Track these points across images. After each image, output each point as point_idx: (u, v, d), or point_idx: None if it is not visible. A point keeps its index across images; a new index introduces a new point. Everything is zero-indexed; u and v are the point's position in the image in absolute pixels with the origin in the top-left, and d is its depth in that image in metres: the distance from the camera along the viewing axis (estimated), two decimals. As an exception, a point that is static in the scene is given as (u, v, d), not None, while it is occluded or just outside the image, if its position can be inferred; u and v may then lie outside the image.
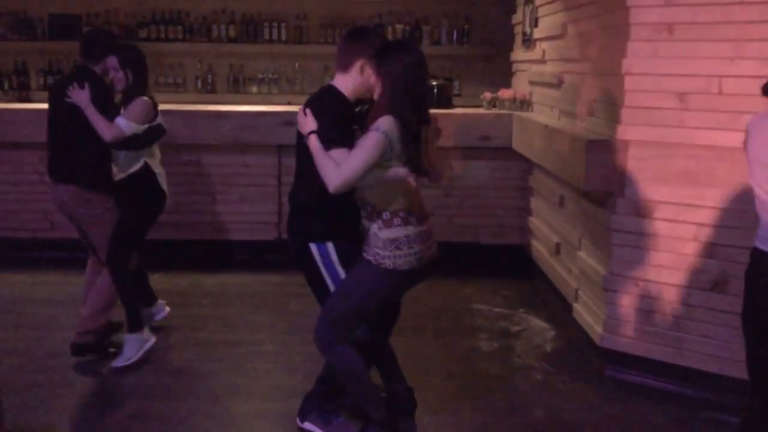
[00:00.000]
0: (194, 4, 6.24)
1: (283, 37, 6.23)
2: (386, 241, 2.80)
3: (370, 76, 2.84)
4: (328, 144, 2.77)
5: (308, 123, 2.83)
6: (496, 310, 4.77)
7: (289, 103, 6.12)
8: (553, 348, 4.18)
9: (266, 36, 6.22)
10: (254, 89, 6.32)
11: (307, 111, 2.86)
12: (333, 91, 2.97)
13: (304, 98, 6.45)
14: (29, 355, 3.91)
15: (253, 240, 5.65)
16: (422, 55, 2.81)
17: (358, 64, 2.91)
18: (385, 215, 2.81)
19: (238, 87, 6.33)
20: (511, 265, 5.50)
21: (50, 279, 5.17)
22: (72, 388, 3.59)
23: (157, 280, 5.14)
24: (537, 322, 4.56)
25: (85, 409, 3.41)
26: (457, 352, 4.07)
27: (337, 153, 2.75)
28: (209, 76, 6.32)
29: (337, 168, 2.71)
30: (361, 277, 2.88)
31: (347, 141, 2.80)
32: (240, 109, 5.63)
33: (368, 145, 2.69)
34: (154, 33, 6.19)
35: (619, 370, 3.74)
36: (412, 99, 2.73)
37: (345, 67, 2.95)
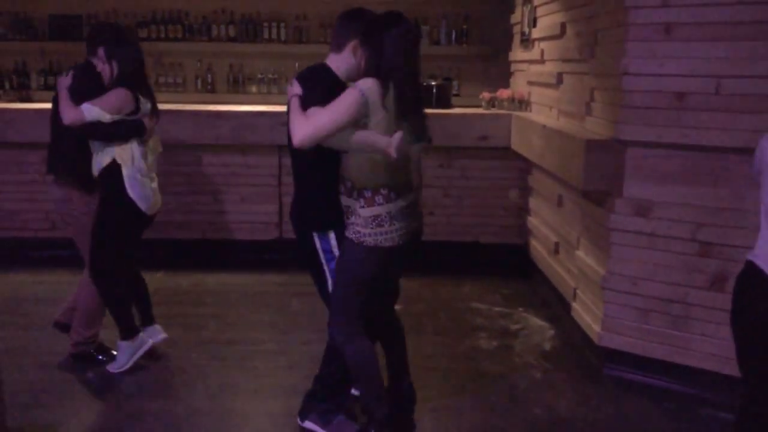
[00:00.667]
0: (194, 4, 6.25)
1: (283, 37, 6.24)
2: (367, 219, 2.75)
3: (362, 58, 2.80)
4: (306, 105, 2.72)
5: (293, 90, 2.79)
6: (496, 309, 4.79)
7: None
8: (552, 346, 4.20)
9: (266, 36, 6.23)
10: (254, 89, 6.33)
11: (294, 81, 2.83)
12: (325, 68, 2.92)
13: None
14: (31, 354, 3.93)
15: (254, 240, 5.67)
16: (410, 25, 2.76)
17: (350, 45, 2.87)
18: (367, 193, 2.75)
19: (237, 87, 6.33)
20: (511, 265, 5.52)
21: (52, 278, 5.19)
22: (73, 386, 3.61)
23: (158, 280, 5.19)
24: (536, 321, 4.58)
25: (87, 408, 3.43)
26: (457, 351, 4.09)
27: (313, 110, 2.68)
28: (209, 76, 6.32)
29: (306, 120, 2.64)
30: (346, 260, 2.85)
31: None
32: (240, 109, 5.65)
33: (342, 100, 2.63)
34: (153, 33, 6.19)
35: (617, 369, 3.77)
36: (405, 67, 2.69)
37: (338, 47, 2.91)
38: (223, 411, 3.37)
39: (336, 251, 2.91)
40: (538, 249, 5.12)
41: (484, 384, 3.70)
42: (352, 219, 2.80)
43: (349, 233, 2.81)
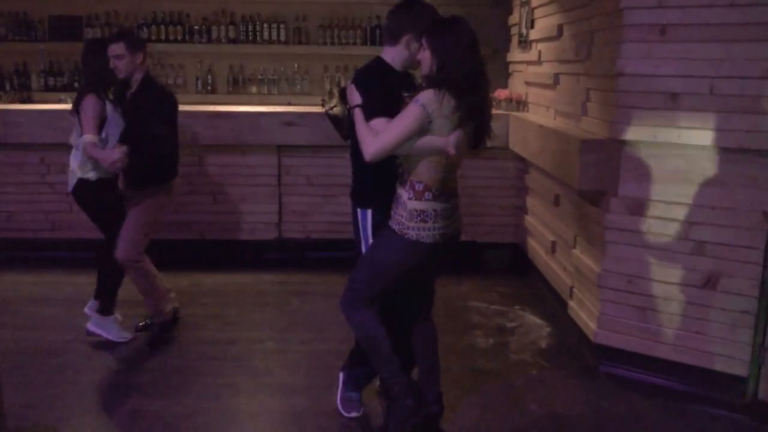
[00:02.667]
0: (194, 6, 6.29)
1: (283, 38, 6.28)
2: (412, 212, 2.85)
3: (416, 51, 2.90)
4: (369, 116, 2.87)
5: (353, 97, 2.93)
6: (493, 307, 4.83)
7: (289, 104, 6.18)
8: (549, 344, 4.24)
9: (266, 37, 6.27)
10: (254, 90, 6.37)
11: (352, 86, 2.95)
12: (380, 64, 3.03)
13: (303, 99, 6.57)
14: (31, 355, 3.96)
15: (253, 239, 5.70)
16: (474, 33, 2.83)
17: (405, 38, 2.96)
18: (418, 186, 2.85)
19: (238, 87, 6.38)
20: (508, 263, 5.56)
21: (52, 279, 5.22)
22: (73, 386, 3.64)
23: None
24: (532, 319, 4.62)
25: (86, 408, 3.45)
26: (454, 349, 4.13)
27: (377, 122, 2.84)
28: (209, 77, 6.37)
29: (375, 137, 2.80)
30: (383, 246, 2.96)
31: (390, 112, 2.86)
32: (240, 109, 5.69)
33: (406, 116, 2.77)
34: (154, 34, 6.23)
35: (612, 366, 3.80)
36: (465, 74, 2.75)
37: (393, 40, 3.01)
38: (222, 410, 3.40)
39: (368, 224, 3.07)
40: (535, 247, 5.15)
41: (480, 381, 3.74)
42: (399, 210, 2.90)
43: (393, 223, 2.93)
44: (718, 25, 3.29)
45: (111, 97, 3.98)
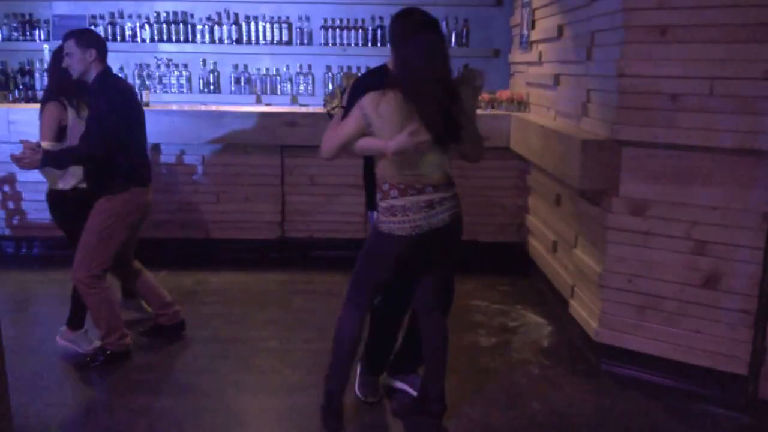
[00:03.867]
0: (198, 5, 6.31)
1: (286, 39, 6.30)
2: (384, 209, 2.96)
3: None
4: (344, 115, 2.99)
5: (346, 100, 3.09)
6: (495, 306, 4.85)
7: (292, 104, 6.21)
8: (550, 343, 4.27)
9: (269, 37, 6.29)
10: (257, 89, 6.39)
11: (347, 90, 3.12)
12: (381, 70, 3.15)
13: (306, 99, 6.55)
14: (36, 353, 3.99)
15: (257, 239, 5.74)
16: (435, 42, 2.87)
17: None
18: (385, 186, 2.95)
19: (241, 87, 6.40)
20: (510, 263, 5.58)
21: (57, 277, 5.24)
22: (78, 385, 3.68)
23: (162, 279, 5.24)
24: (534, 318, 4.65)
25: (91, 406, 3.49)
26: (457, 347, 4.14)
27: (331, 124, 3.02)
28: (212, 77, 6.39)
29: (324, 136, 2.99)
30: (368, 242, 3.09)
31: None
32: (243, 109, 5.72)
33: (347, 119, 2.91)
34: (157, 34, 6.26)
35: (614, 365, 3.83)
36: (413, 79, 2.79)
37: (391, 47, 3.08)
38: (226, 408, 3.43)
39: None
40: (537, 247, 5.18)
41: (483, 380, 3.77)
42: (377, 208, 3.04)
43: (373, 220, 3.10)
44: (718, 25, 3.31)
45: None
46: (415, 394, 3.43)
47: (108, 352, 3.87)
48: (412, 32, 2.86)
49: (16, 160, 3.57)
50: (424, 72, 2.79)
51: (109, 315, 3.83)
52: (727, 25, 3.29)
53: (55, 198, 3.99)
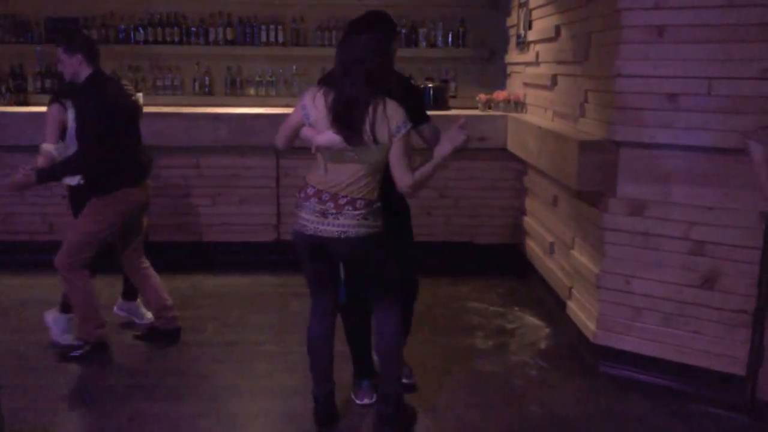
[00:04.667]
0: (191, 7, 6.27)
1: (281, 40, 6.27)
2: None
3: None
4: None
5: None
6: (492, 308, 4.84)
7: (287, 105, 6.18)
8: (548, 345, 4.25)
9: (263, 38, 6.26)
10: (252, 91, 6.36)
11: None
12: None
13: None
14: (29, 357, 3.96)
15: (252, 241, 5.71)
16: (351, 23, 3.00)
17: None
18: (303, 183, 3.06)
19: (235, 89, 6.37)
20: (507, 264, 5.57)
21: (49, 282, 5.19)
22: (72, 389, 3.64)
23: (157, 282, 5.22)
24: (532, 320, 4.63)
25: (85, 411, 3.45)
26: (454, 350, 4.13)
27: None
28: (207, 79, 6.36)
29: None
30: None
31: None
32: (238, 111, 5.69)
33: (293, 111, 3.04)
34: (151, 36, 6.22)
35: (612, 366, 3.81)
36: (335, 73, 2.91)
37: None
38: (222, 413, 3.40)
39: None
40: (534, 248, 5.16)
41: (480, 382, 3.75)
42: None
43: None
44: (715, 25, 3.30)
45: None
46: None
47: (84, 344, 3.94)
48: (346, 34, 2.97)
49: (7, 188, 3.81)
50: (338, 66, 2.89)
51: (83, 303, 3.91)
52: (724, 25, 3.28)
53: (68, 192, 4.15)
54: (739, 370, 3.45)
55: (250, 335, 4.32)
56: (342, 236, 2.92)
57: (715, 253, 3.45)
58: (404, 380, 3.44)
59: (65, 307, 4.12)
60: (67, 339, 4.06)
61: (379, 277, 3.12)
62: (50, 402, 3.48)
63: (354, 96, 2.83)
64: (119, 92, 3.91)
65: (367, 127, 2.82)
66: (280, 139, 3.14)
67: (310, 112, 2.93)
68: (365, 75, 2.82)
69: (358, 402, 3.48)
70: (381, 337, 3.20)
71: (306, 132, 2.99)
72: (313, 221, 2.95)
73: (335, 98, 2.86)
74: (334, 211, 2.91)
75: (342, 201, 2.91)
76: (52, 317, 4.16)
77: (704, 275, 3.48)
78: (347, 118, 2.83)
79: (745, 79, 3.26)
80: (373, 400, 3.42)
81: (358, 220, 2.92)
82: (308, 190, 2.98)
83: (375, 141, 2.85)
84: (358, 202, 2.91)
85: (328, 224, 2.92)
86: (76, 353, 3.93)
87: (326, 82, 3.01)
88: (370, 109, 2.83)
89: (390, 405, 3.18)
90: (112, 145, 3.78)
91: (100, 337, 3.97)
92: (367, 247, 2.98)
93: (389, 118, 2.85)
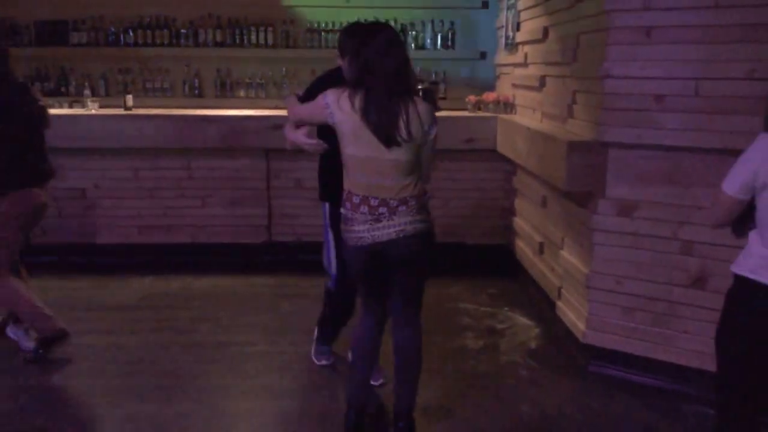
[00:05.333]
0: (181, 9, 6.27)
1: (270, 42, 6.27)
2: (342, 217, 2.98)
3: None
4: (300, 98, 3.32)
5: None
6: (482, 308, 4.85)
7: (277, 107, 6.18)
8: (538, 345, 4.27)
9: (253, 40, 6.26)
10: (242, 93, 6.35)
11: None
12: (337, 73, 3.49)
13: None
14: (20, 359, 3.94)
15: (243, 243, 5.71)
16: (385, 35, 2.89)
17: (347, 58, 3.35)
18: (344, 193, 2.97)
19: (225, 91, 6.36)
20: (497, 265, 5.59)
21: (41, 284, 5.17)
22: (63, 391, 3.63)
23: (149, 284, 5.21)
24: (522, 320, 4.65)
25: (76, 413, 3.45)
26: (445, 351, 4.15)
27: (290, 99, 3.34)
28: (196, 81, 6.35)
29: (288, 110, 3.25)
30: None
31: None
32: (228, 113, 5.69)
33: (312, 102, 3.01)
34: (140, 38, 6.21)
35: (602, 366, 3.83)
36: (369, 71, 2.82)
37: (340, 56, 3.47)
38: (213, 413, 3.40)
39: (326, 215, 3.59)
40: (524, 249, 5.19)
41: (471, 383, 3.76)
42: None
43: (325, 210, 3.26)
44: (702, 27, 3.32)
45: None
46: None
47: (43, 340, 3.92)
48: (362, 41, 2.94)
49: None
50: (363, 68, 2.85)
51: (21, 304, 3.89)
52: (711, 26, 3.30)
53: None
54: (728, 368, 3.47)
55: (241, 336, 4.31)
56: (400, 236, 2.89)
57: (705, 253, 3.47)
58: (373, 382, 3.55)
59: (14, 317, 4.08)
60: (31, 344, 3.99)
61: (418, 282, 3.08)
62: (41, 405, 3.47)
63: (389, 96, 2.80)
64: (20, 96, 3.88)
65: (402, 126, 2.80)
66: (289, 119, 3.21)
67: (335, 113, 2.85)
68: (398, 75, 2.82)
69: (321, 363, 3.87)
70: (404, 353, 3.12)
71: (296, 137, 3.13)
72: (368, 230, 2.88)
73: (370, 99, 2.79)
74: (387, 213, 2.87)
75: (393, 204, 2.87)
76: (11, 330, 4.12)
77: (694, 275, 3.51)
78: (384, 119, 2.79)
79: (731, 80, 3.29)
80: (330, 362, 3.85)
81: (412, 216, 2.91)
82: (354, 199, 2.89)
83: (410, 140, 2.83)
84: (409, 200, 2.90)
85: (384, 227, 2.88)
86: (40, 351, 3.90)
87: (351, 84, 2.91)
88: (405, 109, 2.81)
89: (408, 419, 3.15)
90: (4, 147, 3.76)
91: (56, 329, 3.92)
92: (421, 245, 2.95)
93: (421, 117, 2.85)
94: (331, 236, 3.56)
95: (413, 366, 3.13)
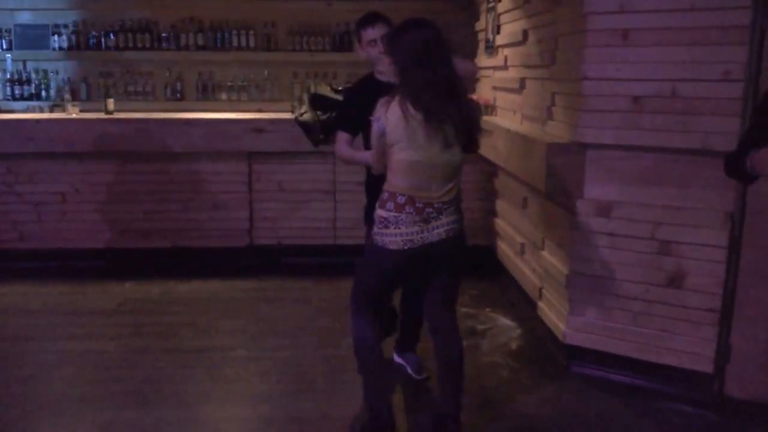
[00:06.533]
0: (162, 13, 6.25)
1: (252, 45, 6.27)
2: (378, 219, 2.90)
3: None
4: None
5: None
6: (463, 309, 4.85)
7: (259, 110, 6.18)
8: (519, 345, 4.28)
9: (235, 43, 6.25)
10: (224, 96, 6.34)
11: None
12: (364, 78, 3.60)
13: (273, 105, 6.54)
14: None
15: (225, 246, 5.69)
16: (430, 33, 2.82)
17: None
18: (384, 194, 2.89)
19: (207, 94, 6.35)
20: (478, 266, 5.59)
21: (21, 290, 5.15)
22: (42, 398, 3.58)
23: (128, 289, 5.18)
24: (503, 321, 4.66)
25: (56, 421, 3.40)
26: (426, 351, 4.12)
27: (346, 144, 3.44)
28: (178, 84, 6.33)
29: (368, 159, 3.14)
30: (365, 252, 3.07)
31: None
32: (210, 116, 5.67)
33: (374, 141, 2.91)
34: (122, 42, 6.18)
35: (582, 366, 3.85)
36: (417, 79, 2.74)
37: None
38: (193, 419, 3.38)
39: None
40: (505, 250, 5.20)
41: (453, 384, 3.76)
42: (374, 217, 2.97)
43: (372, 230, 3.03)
44: (679, 29, 3.35)
45: None
46: (410, 371, 3.76)
47: None
48: (396, 34, 2.89)
49: None
50: (416, 73, 2.77)
51: None
52: (687, 29, 3.33)
53: None
54: (707, 367, 3.50)
55: (221, 341, 4.29)
56: (450, 234, 2.91)
57: (682, 252, 3.49)
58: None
59: None
60: None
61: (456, 281, 3.12)
62: (19, 411, 3.43)
63: (447, 101, 2.78)
64: None
65: (453, 131, 2.81)
66: (378, 168, 2.98)
67: (385, 125, 2.79)
68: (452, 80, 2.81)
69: (419, 378, 3.76)
70: (453, 358, 3.14)
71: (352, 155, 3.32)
72: (417, 232, 2.85)
73: (429, 102, 2.74)
74: (435, 213, 2.87)
75: (437, 205, 2.87)
76: None
77: (671, 274, 3.53)
78: (441, 121, 2.77)
79: (708, 81, 3.32)
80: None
81: (456, 215, 2.95)
82: (398, 199, 2.84)
83: (459, 143, 2.85)
84: (452, 200, 2.94)
85: (433, 228, 2.88)
86: None
87: (403, 91, 2.80)
88: (460, 113, 2.81)
89: (457, 421, 3.16)
90: None
91: None
92: (462, 242, 3.01)
93: (472, 120, 2.89)
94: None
95: (462, 369, 3.18)
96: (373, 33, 3.40)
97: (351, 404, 3.45)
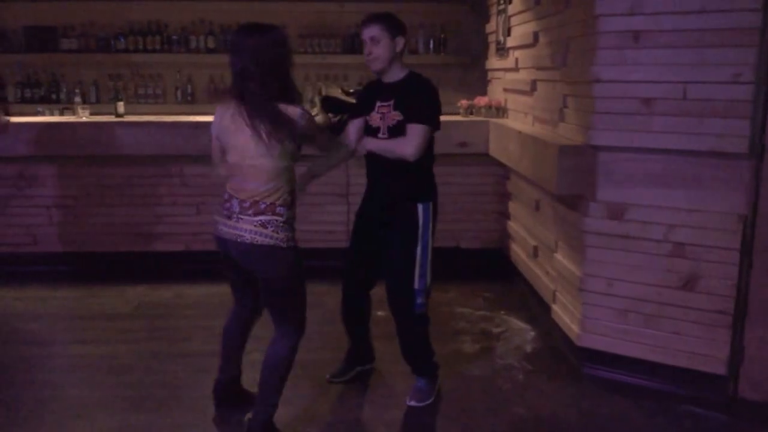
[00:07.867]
0: (172, 15, 6.27)
1: (262, 48, 6.27)
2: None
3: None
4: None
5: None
6: (478, 312, 4.86)
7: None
8: (533, 348, 4.28)
9: (245, 46, 6.26)
10: (234, 99, 6.36)
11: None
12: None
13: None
14: (10, 371, 3.93)
15: (236, 249, 5.69)
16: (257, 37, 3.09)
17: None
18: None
19: (218, 97, 6.36)
20: (492, 269, 5.60)
21: (33, 294, 5.19)
22: (58, 402, 3.61)
23: (141, 293, 5.21)
24: (517, 324, 4.66)
25: (72, 423, 3.43)
26: (441, 355, 4.13)
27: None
28: (189, 87, 6.35)
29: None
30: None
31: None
32: (220, 120, 5.68)
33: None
34: (132, 44, 6.21)
35: (596, 368, 3.84)
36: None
37: None
38: (208, 423, 3.40)
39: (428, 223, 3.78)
40: (518, 252, 5.20)
41: (467, 386, 3.77)
42: None
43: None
44: (689, 31, 3.34)
45: None
46: None
47: None
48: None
49: None
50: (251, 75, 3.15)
51: None
52: (697, 31, 3.32)
53: None
54: (720, 369, 3.50)
55: (235, 344, 4.30)
56: (236, 239, 3.22)
57: (695, 255, 3.49)
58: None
59: None
60: None
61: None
62: (36, 415, 3.46)
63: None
64: None
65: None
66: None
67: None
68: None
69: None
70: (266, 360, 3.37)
71: None
72: (221, 219, 3.20)
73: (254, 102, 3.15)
74: (237, 211, 3.19)
75: (243, 202, 3.17)
76: None
77: (684, 277, 3.53)
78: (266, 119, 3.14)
79: (719, 83, 3.31)
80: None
81: (258, 227, 3.16)
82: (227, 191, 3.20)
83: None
84: (262, 203, 3.18)
85: (231, 226, 3.20)
86: None
87: None
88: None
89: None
90: None
91: None
92: (264, 260, 3.28)
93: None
94: (430, 241, 3.64)
95: (269, 374, 3.39)
96: (363, 34, 3.44)
97: (365, 407, 3.46)
